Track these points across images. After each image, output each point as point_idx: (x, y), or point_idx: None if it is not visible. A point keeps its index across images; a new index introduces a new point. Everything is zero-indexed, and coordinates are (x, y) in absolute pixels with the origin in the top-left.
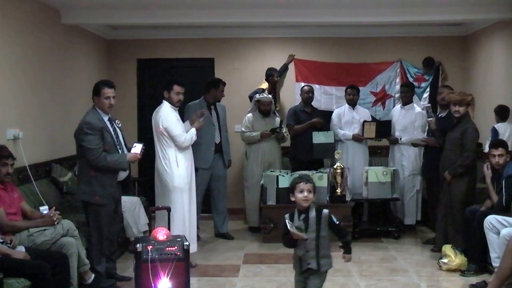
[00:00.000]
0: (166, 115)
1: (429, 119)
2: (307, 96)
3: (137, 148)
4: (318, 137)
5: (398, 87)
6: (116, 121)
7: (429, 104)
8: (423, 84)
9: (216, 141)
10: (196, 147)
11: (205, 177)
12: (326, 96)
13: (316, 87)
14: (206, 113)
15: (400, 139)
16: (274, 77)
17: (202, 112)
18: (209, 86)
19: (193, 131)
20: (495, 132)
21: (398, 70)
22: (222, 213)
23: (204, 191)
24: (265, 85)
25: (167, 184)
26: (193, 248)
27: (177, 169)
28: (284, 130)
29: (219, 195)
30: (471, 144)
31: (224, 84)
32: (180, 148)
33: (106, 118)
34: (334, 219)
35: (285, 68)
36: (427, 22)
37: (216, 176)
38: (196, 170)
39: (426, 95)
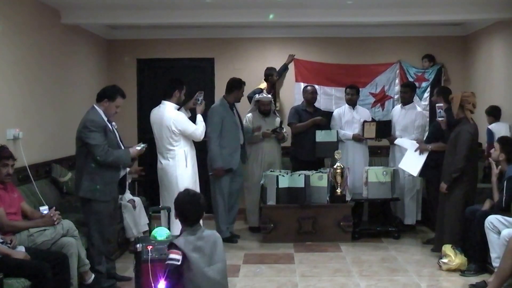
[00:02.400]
0: (176, 117)
1: (440, 119)
2: (312, 96)
3: (139, 146)
4: (321, 136)
5: (397, 88)
6: (113, 123)
7: (441, 104)
8: (423, 84)
9: (240, 142)
10: (223, 150)
11: (227, 181)
12: (325, 97)
13: (316, 87)
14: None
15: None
16: (274, 77)
17: (199, 93)
18: (232, 87)
19: (200, 118)
20: (490, 133)
21: (398, 71)
22: (231, 217)
23: (228, 190)
24: (263, 85)
25: (176, 185)
26: None
27: (186, 169)
28: (284, 130)
29: (236, 195)
30: (463, 147)
31: (245, 84)
32: (199, 140)
33: (105, 119)
34: None
35: (285, 68)
36: (427, 22)
37: (235, 177)
38: (228, 171)
39: (426, 95)
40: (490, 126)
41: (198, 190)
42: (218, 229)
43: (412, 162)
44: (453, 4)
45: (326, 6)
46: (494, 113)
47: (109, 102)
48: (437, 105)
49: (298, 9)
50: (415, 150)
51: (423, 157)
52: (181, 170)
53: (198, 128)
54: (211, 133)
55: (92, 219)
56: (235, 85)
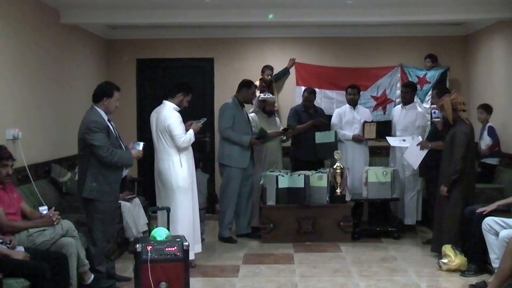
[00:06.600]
0: (171, 114)
1: (436, 119)
2: (309, 104)
3: (140, 146)
4: (319, 137)
5: (398, 92)
6: (111, 122)
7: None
8: (425, 87)
9: None
10: (233, 147)
11: (238, 182)
12: (326, 100)
13: (316, 90)
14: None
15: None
16: (265, 75)
17: (203, 119)
18: (241, 86)
19: (191, 132)
20: (493, 130)
21: (399, 75)
22: (248, 212)
23: (238, 191)
24: (256, 82)
25: (171, 185)
26: (198, 248)
27: (181, 169)
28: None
29: (249, 193)
30: (459, 148)
31: (256, 86)
32: (179, 148)
33: (106, 119)
34: None
35: (285, 71)
36: (428, 22)
37: (247, 175)
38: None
39: (428, 97)
40: (492, 124)
41: (195, 190)
42: (220, 229)
43: (413, 154)
44: (454, 4)
45: (326, 6)
46: (489, 110)
47: (109, 99)
48: (432, 106)
49: (298, 9)
50: (417, 145)
51: (423, 153)
52: (176, 170)
53: (184, 137)
54: (223, 126)
55: (95, 219)
56: (244, 85)
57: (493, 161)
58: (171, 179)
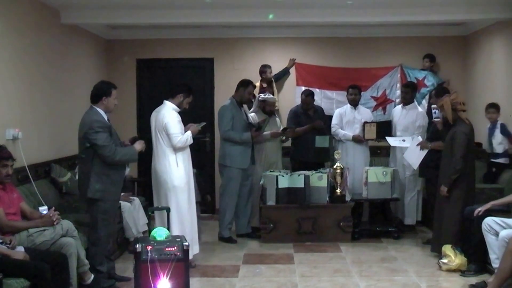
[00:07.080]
0: (169, 113)
1: (436, 119)
2: (303, 106)
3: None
4: (319, 142)
5: (398, 92)
6: (109, 121)
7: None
8: (422, 90)
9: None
10: (234, 147)
11: (238, 182)
12: (326, 100)
13: (316, 91)
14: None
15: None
16: (267, 74)
17: (203, 122)
18: (239, 85)
19: (188, 133)
20: (506, 127)
21: (399, 75)
22: (247, 212)
23: (238, 191)
24: (257, 83)
25: (167, 184)
26: (195, 249)
27: (177, 168)
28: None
29: (249, 193)
30: (459, 148)
31: (254, 87)
32: (174, 148)
33: (106, 118)
34: None
35: (285, 72)
36: (428, 22)
37: (247, 175)
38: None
39: (425, 101)
40: (503, 122)
41: (192, 190)
42: (220, 229)
43: (413, 154)
44: (454, 4)
45: (326, 6)
46: (499, 109)
47: (108, 98)
48: (432, 106)
49: (298, 9)
50: (417, 145)
51: (423, 153)
52: (172, 169)
53: (181, 137)
54: (223, 129)
55: (99, 219)
56: (241, 84)
57: (506, 160)
58: (166, 179)
